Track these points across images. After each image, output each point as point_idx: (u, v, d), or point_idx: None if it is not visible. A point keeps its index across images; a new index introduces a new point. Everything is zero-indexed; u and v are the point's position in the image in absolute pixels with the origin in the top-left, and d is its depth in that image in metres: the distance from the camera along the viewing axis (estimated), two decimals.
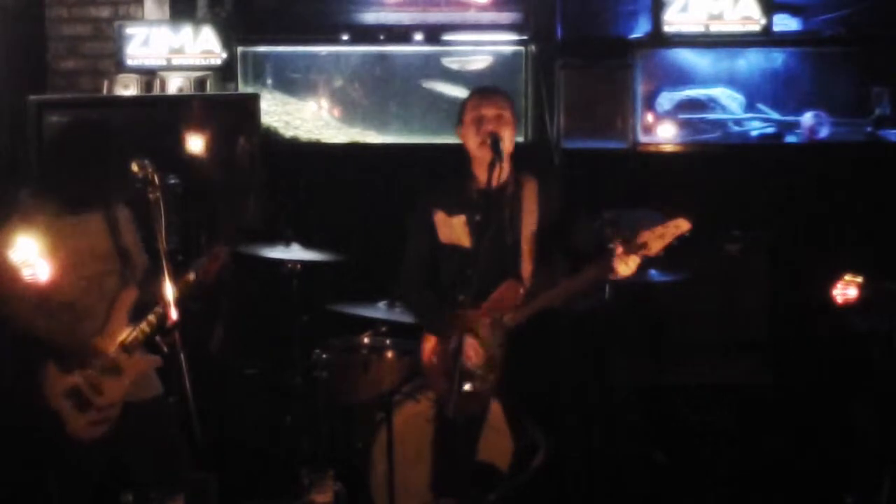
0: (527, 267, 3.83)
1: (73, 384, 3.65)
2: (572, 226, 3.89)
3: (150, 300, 3.75)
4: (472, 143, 3.83)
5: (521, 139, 5.49)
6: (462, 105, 3.96)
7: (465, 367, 3.65)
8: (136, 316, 3.77)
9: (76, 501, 3.70)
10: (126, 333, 3.74)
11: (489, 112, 3.81)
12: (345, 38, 5.74)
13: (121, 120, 5.16)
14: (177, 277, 3.59)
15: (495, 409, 3.84)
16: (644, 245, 3.60)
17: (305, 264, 4.75)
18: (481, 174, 3.75)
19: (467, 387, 3.66)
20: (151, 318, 3.72)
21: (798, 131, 5.64)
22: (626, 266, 3.61)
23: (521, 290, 3.78)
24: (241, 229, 4.00)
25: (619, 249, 3.59)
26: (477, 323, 3.73)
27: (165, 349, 3.68)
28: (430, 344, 3.90)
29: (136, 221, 3.91)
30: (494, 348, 3.74)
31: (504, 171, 3.81)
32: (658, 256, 3.64)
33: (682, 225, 3.60)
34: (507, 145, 3.79)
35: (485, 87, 4.08)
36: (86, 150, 3.75)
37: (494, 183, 3.67)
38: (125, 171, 3.54)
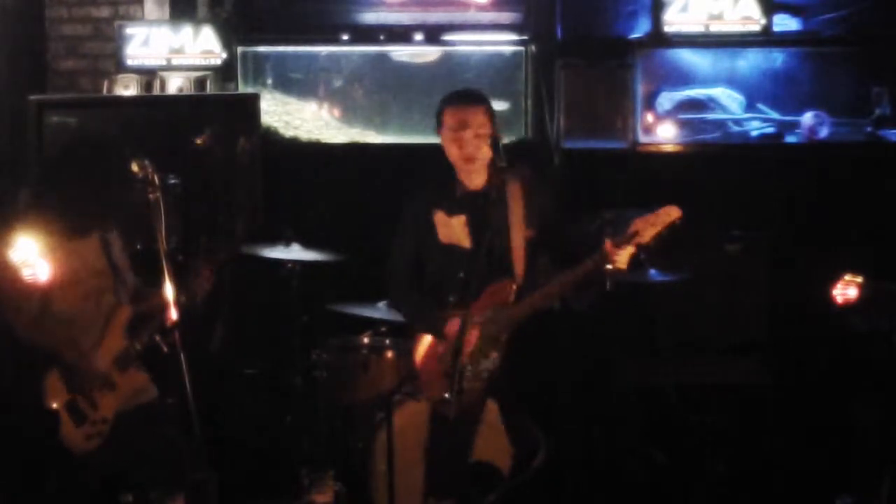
0: (519, 265, 3.83)
1: (72, 396, 3.66)
2: (562, 219, 3.90)
3: (141, 317, 3.78)
4: (452, 155, 3.85)
5: (514, 138, 5.55)
6: (438, 113, 3.94)
7: (463, 366, 3.65)
8: (131, 332, 3.80)
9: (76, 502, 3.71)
10: (120, 350, 3.76)
11: (467, 134, 3.81)
12: (345, 38, 5.74)
13: (121, 120, 5.18)
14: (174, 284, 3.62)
15: (492, 408, 3.83)
16: (635, 234, 3.61)
17: (305, 264, 4.75)
18: (463, 178, 3.82)
19: (464, 385, 3.66)
20: (144, 337, 3.74)
21: (798, 131, 5.63)
22: (619, 258, 3.61)
23: (513, 288, 3.78)
24: (228, 248, 4.03)
25: (609, 243, 3.60)
26: (473, 318, 3.74)
27: (165, 349, 3.70)
28: (423, 345, 3.90)
29: (125, 241, 3.96)
30: (490, 344, 3.75)
31: (480, 175, 3.84)
32: (650, 245, 3.63)
33: (673, 212, 3.60)
34: (484, 154, 3.79)
35: (459, 96, 3.99)
36: (89, 177, 3.76)
37: (471, 187, 3.72)
38: (124, 197, 3.58)
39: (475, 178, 3.85)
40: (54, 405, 3.63)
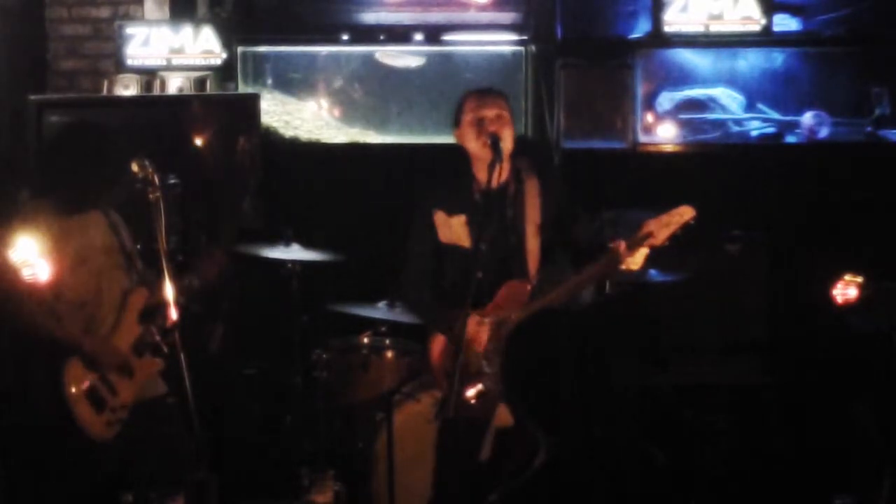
0: (532, 265, 3.82)
1: (92, 384, 3.66)
2: (574, 218, 3.89)
3: (154, 304, 3.78)
4: (473, 144, 3.82)
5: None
6: (459, 107, 3.94)
7: (471, 368, 3.64)
8: (145, 319, 3.79)
9: (82, 500, 3.71)
10: (136, 335, 3.76)
11: (489, 113, 3.81)
12: (345, 38, 5.75)
13: (121, 120, 5.18)
14: (177, 282, 3.61)
15: (501, 409, 3.82)
16: (649, 234, 3.60)
17: (305, 264, 4.75)
18: (482, 175, 3.74)
19: (473, 391, 3.65)
20: (160, 322, 3.74)
21: (798, 131, 5.64)
22: (633, 260, 3.61)
23: (528, 288, 3.77)
24: (240, 230, 4.04)
25: (623, 245, 3.60)
26: (483, 320, 3.73)
27: (165, 349, 3.70)
28: (438, 344, 3.88)
29: (132, 226, 3.94)
30: (500, 344, 3.74)
31: (504, 170, 3.81)
32: (664, 247, 3.62)
33: (686, 213, 3.60)
34: (507, 145, 3.79)
35: (482, 88, 4.06)
36: (83, 152, 3.77)
37: (494, 183, 3.67)
38: (123, 173, 3.57)
39: (501, 171, 3.76)
40: (71, 398, 3.61)
